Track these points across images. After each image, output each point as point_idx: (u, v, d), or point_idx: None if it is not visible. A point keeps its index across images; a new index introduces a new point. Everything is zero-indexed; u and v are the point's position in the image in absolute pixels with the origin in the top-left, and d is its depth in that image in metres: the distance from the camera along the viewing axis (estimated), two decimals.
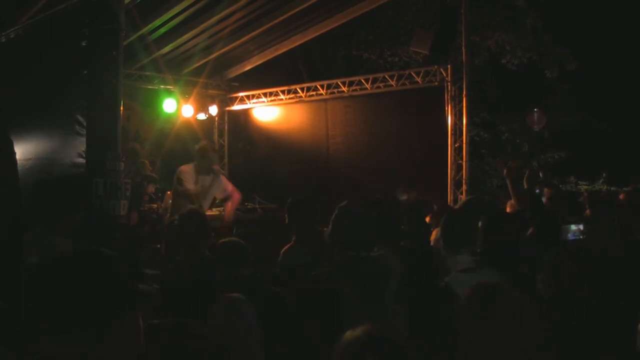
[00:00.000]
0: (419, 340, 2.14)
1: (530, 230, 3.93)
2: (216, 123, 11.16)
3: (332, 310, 2.33)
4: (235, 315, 2.42)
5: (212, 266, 3.15)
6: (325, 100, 9.82)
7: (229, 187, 6.37)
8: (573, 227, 3.71)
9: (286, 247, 3.95)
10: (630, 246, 3.67)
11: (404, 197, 6.83)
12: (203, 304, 2.46)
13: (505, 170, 4.75)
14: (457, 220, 2.91)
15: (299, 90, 10.03)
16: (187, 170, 5.93)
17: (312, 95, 9.92)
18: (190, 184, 5.82)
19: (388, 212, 3.40)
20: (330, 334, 1.63)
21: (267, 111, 10.68)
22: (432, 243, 4.30)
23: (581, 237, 3.67)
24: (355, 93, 9.45)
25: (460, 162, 8.28)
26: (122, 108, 4.61)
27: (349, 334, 1.58)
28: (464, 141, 8.20)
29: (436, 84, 8.56)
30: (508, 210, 5.90)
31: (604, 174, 14.45)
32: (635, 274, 3.10)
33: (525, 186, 4.40)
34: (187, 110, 10.01)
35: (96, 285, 1.28)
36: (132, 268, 1.38)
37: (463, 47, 8.01)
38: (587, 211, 4.50)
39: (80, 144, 4.45)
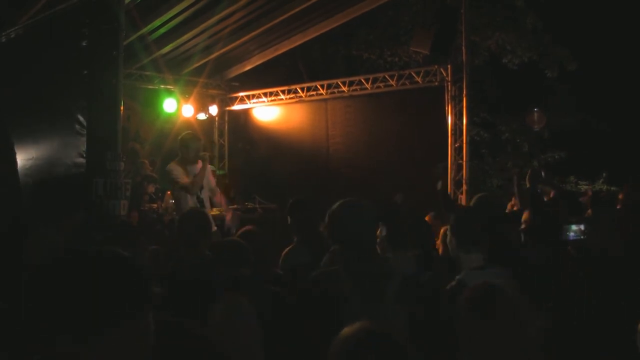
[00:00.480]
0: (419, 340, 2.14)
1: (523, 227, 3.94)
2: (216, 123, 11.16)
3: (332, 310, 2.32)
4: (235, 315, 2.42)
5: (212, 266, 3.14)
6: (325, 100, 9.82)
7: (213, 182, 6.35)
8: (574, 227, 3.70)
9: (288, 248, 3.95)
10: (630, 246, 3.67)
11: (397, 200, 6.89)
12: (203, 304, 2.46)
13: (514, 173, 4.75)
14: (467, 220, 2.92)
15: (299, 90, 10.03)
16: (173, 167, 5.86)
17: (312, 95, 9.91)
18: (183, 178, 5.77)
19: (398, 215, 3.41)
20: (330, 334, 1.63)
21: (267, 111, 10.68)
22: (439, 242, 4.30)
23: (582, 237, 3.66)
24: (355, 93, 9.45)
25: (461, 162, 8.28)
26: (122, 108, 4.61)
27: (346, 331, 1.58)
28: (464, 141, 8.20)
29: (436, 83, 8.56)
30: (510, 208, 5.92)
31: (604, 174, 14.44)
32: (635, 274, 3.10)
33: (528, 185, 4.40)
34: (187, 110, 10.01)
35: (113, 286, 1.28)
36: (144, 269, 1.38)
37: (463, 47, 8.01)
38: (589, 211, 4.49)
39: (81, 144, 4.45)
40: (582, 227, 3.66)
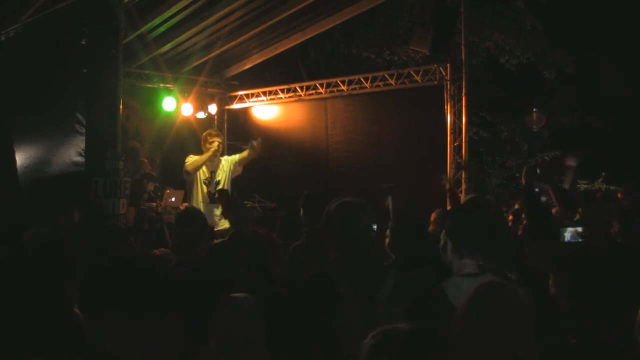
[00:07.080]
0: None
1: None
2: (215, 122, 11.14)
3: (325, 309, 2.32)
4: (241, 314, 2.42)
5: (212, 265, 3.15)
6: (324, 99, 9.81)
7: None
8: (570, 229, 3.65)
9: (297, 242, 3.90)
10: (624, 246, 3.68)
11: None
12: (205, 303, 2.47)
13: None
14: (462, 222, 2.64)
15: (299, 89, 10.03)
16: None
17: (312, 94, 9.91)
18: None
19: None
20: (324, 334, 1.64)
21: (267, 110, 10.67)
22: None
23: (580, 239, 3.59)
24: (354, 92, 9.44)
25: (460, 160, 8.28)
26: (121, 107, 4.62)
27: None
28: (464, 140, 8.21)
29: (435, 82, 8.56)
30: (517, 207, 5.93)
31: (602, 173, 14.46)
32: (631, 274, 3.10)
33: (523, 183, 4.36)
34: (187, 109, 10.00)
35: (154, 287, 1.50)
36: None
37: (462, 46, 8.01)
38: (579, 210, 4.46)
39: (80, 143, 4.47)
40: (579, 229, 3.61)
